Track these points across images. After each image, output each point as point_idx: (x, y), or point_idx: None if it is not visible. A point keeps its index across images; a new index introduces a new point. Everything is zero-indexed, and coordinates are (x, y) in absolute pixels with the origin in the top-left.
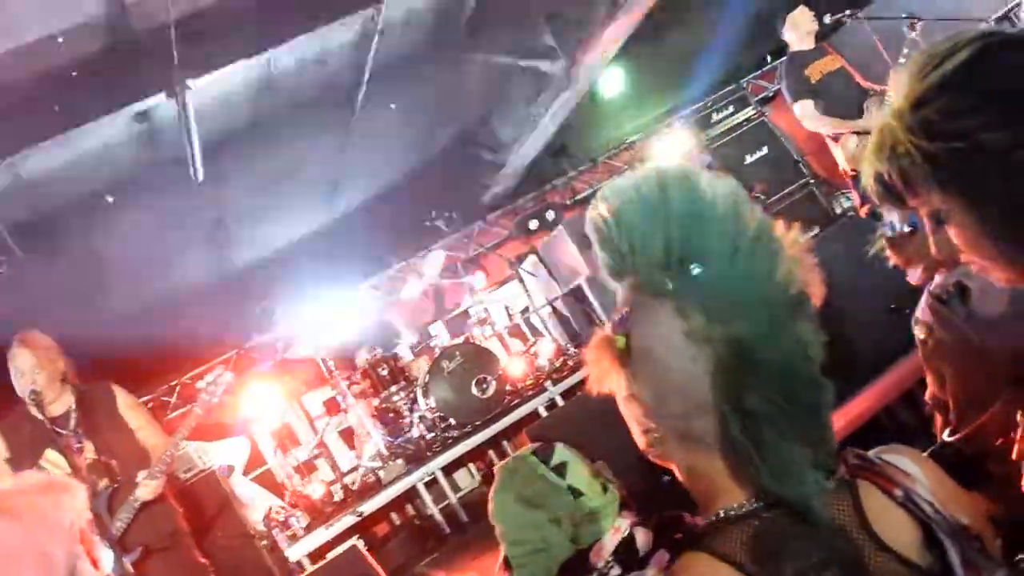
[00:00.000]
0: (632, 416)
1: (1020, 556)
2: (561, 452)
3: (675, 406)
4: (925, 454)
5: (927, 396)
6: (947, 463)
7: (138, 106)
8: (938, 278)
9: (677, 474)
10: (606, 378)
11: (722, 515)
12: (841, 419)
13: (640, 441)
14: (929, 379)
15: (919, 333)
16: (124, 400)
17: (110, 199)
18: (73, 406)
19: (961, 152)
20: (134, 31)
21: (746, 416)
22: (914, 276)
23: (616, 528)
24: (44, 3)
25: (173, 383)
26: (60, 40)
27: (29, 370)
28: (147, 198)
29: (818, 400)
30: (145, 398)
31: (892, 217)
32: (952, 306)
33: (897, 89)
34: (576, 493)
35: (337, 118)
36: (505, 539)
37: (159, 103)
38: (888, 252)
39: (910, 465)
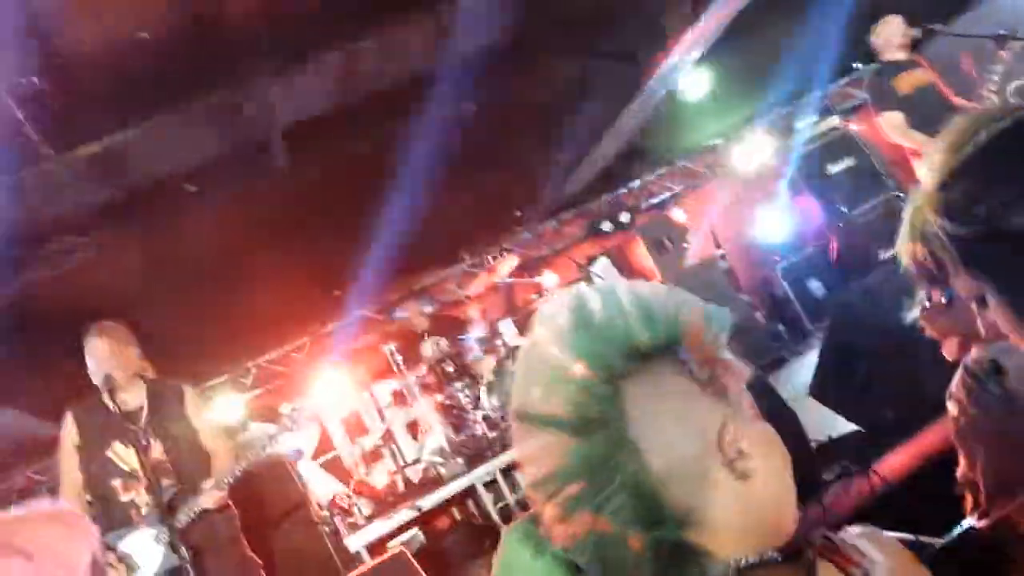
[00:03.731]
0: None
1: None
2: None
3: None
4: (956, 532)
5: (958, 474)
6: (974, 546)
7: (222, 96)
8: (975, 352)
9: None
10: None
11: None
12: (912, 451)
13: None
14: (961, 457)
15: (952, 409)
16: (192, 401)
17: (192, 188)
18: (145, 403)
19: (985, 236)
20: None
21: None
22: (949, 350)
23: None
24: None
25: (250, 364)
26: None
27: (105, 359)
28: (228, 184)
29: None
30: (222, 378)
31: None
32: (987, 385)
33: (928, 167)
34: None
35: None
36: None
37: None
38: (923, 324)
39: (871, 548)
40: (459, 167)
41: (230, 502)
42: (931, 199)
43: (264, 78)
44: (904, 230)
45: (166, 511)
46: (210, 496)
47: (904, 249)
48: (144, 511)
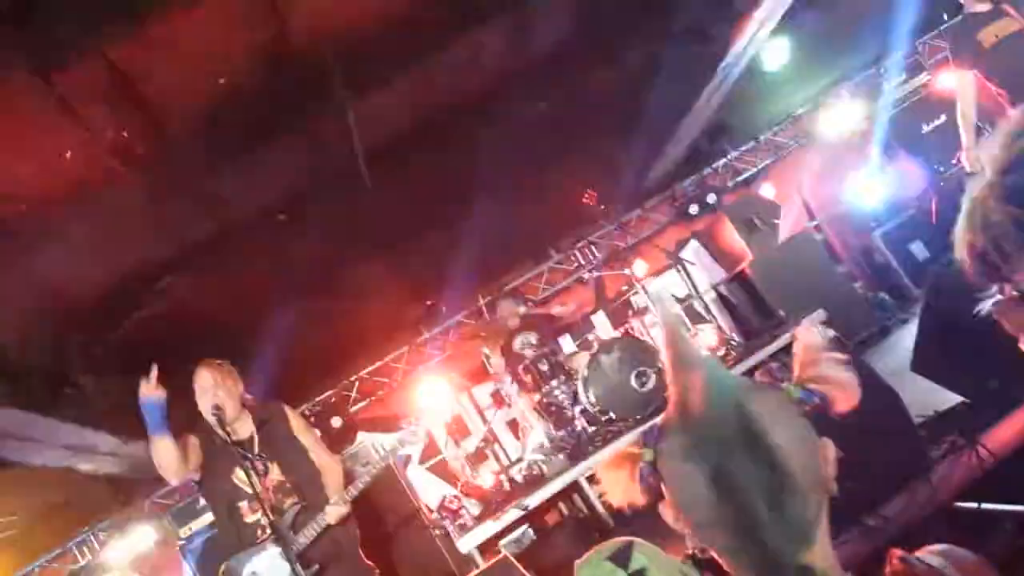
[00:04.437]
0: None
1: None
2: (639, 556)
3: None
4: None
5: None
6: None
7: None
8: None
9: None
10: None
11: None
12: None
13: None
14: None
15: None
16: (296, 422)
17: (282, 216)
18: (255, 431)
19: None
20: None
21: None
22: None
23: None
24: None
25: (352, 378)
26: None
27: (211, 387)
28: (318, 210)
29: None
30: (328, 393)
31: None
32: None
33: (988, 160)
34: None
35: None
36: None
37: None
38: (996, 318)
39: (947, 566)
40: (540, 164)
41: (351, 515)
42: (993, 186)
43: (342, 103)
44: (962, 221)
45: (291, 529)
46: (335, 511)
47: (962, 240)
48: (269, 531)
